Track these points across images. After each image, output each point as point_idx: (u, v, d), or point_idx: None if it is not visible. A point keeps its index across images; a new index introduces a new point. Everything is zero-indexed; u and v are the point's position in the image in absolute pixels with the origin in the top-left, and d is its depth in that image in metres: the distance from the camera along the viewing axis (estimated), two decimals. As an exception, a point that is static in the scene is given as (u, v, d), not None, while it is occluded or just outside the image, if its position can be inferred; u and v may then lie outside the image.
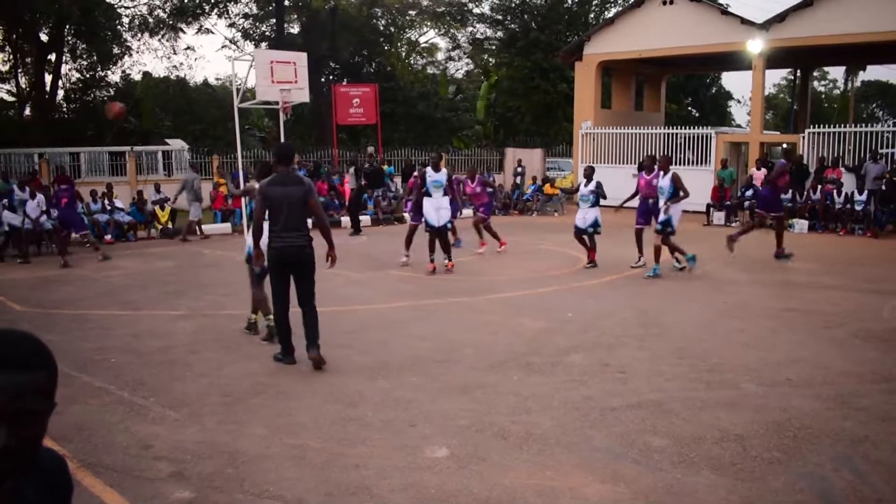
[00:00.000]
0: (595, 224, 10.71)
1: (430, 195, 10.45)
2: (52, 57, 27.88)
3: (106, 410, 5.01)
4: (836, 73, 51.35)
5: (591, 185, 10.69)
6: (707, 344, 6.59)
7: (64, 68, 29.13)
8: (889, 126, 19.84)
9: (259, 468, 4.06)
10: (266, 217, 6.02)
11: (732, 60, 21.97)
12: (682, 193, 9.96)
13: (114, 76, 31.18)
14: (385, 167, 20.17)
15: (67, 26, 26.92)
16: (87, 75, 30.02)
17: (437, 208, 10.33)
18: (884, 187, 15.60)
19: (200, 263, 11.89)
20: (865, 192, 15.62)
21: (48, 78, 28.08)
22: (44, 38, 27.74)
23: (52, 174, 18.19)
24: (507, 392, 5.29)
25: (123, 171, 21.07)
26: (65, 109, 30.68)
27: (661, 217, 9.96)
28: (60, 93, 29.78)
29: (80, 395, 5.32)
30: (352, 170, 18.84)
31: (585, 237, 10.86)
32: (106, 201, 15.50)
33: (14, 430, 1.15)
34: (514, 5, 34.52)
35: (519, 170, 22.79)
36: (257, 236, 6.01)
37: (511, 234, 13.47)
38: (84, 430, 4.63)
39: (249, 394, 5.32)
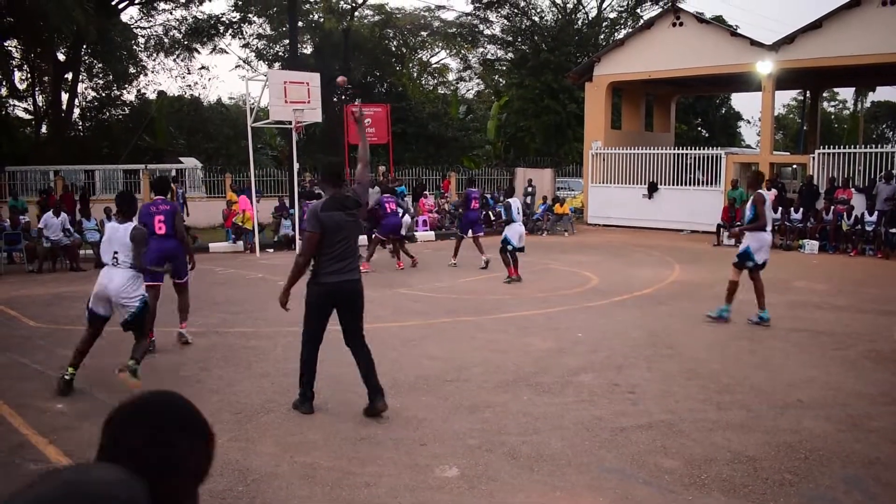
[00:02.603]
0: (503, 240, 11.48)
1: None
2: (69, 76, 28.29)
3: (119, 427, 5.04)
4: (846, 93, 51.45)
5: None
6: (717, 365, 6.58)
7: (80, 87, 29.59)
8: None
9: (270, 486, 4.08)
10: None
11: (742, 81, 22.05)
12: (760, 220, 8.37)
13: (129, 95, 31.64)
14: (397, 187, 20.27)
15: (84, 46, 27.35)
16: (103, 94, 30.47)
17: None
18: (889, 207, 15.57)
19: (212, 281, 11.97)
20: (876, 212, 15.58)
21: (64, 96, 28.51)
22: (61, 57, 28.18)
23: (69, 192, 18.44)
24: (516, 412, 5.30)
25: (137, 188, 21.28)
26: (80, 127, 31.09)
27: (741, 248, 8.59)
28: (76, 111, 30.22)
29: (93, 411, 5.36)
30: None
31: (506, 254, 11.56)
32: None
33: None
34: (524, 27, 34.84)
35: (529, 189, 22.86)
36: (300, 274, 5.16)
37: (521, 253, 13.46)
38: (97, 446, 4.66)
39: (260, 411, 5.35)
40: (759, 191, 8.41)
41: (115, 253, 5.87)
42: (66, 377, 5.80)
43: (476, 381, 6.11)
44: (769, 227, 8.49)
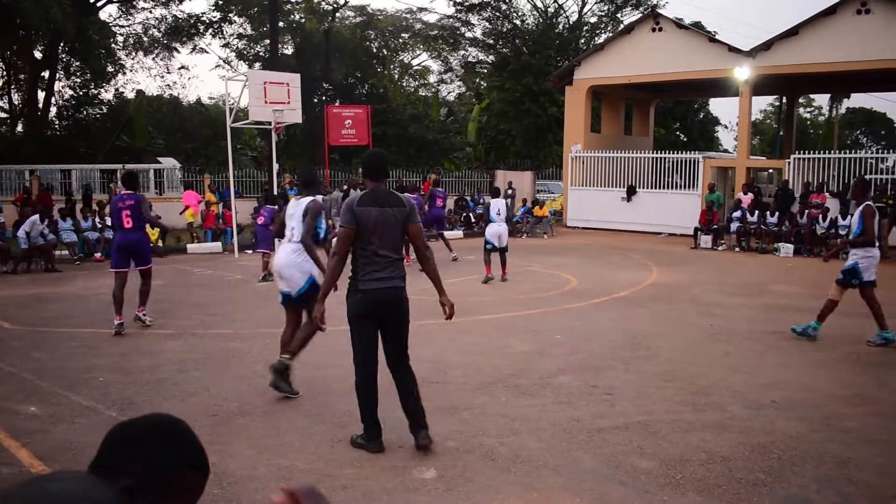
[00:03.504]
0: (485, 240, 11.87)
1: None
2: (46, 74, 27.94)
3: (93, 430, 4.98)
4: (822, 100, 52.28)
5: None
6: (694, 367, 6.64)
7: (57, 85, 29.22)
8: (873, 153, 20.13)
9: (246, 489, 4.05)
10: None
11: (720, 86, 22.29)
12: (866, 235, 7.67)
13: (107, 94, 31.30)
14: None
15: (62, 44, 27.01)
16: (81, 93, 30.10)
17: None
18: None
19: (189, 283, 11.89)
20: (849, 217, 15.79)
21: (41, 95, 28.15)
22: (38, 55, 27.82)
23: (46, 191, 18.22)
24: (494, 413, 5.31)
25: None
26: (57, 126, 30.69)
27: (848, 263, 7.87)
28: (53, 109, 29.85)
29: (67, 414, 5.31)
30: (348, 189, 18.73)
31: (487, 253, 11.80)
32: (97, 219, 15.49)
33: None
34: (505, 30, 34.94)
35: (509, 192, 22.92)
36: (335, 276, 4.62)
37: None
38: (71, 450, 4.62)
39: (237, 414, 5.31)
40: (868, 202, 7.70)
41: (292, 228, 5.81)
42: (279, 366, 5.62)
43: (455, 382, 6.12)
44: (877, 242, 7.78)
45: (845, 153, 19.03)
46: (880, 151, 26.89)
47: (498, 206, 11.85)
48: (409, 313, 4.69)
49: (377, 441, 4.58)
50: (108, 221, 15.61)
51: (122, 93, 32.02)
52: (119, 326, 7.81)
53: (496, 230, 11.65)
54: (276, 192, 16.35)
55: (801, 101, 38.44)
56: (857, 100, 48.32)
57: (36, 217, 13.37)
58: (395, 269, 4.52)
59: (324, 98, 33.74)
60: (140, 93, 31.66)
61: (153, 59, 31.99)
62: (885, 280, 11.70)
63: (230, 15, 32.56)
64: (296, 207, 5.85)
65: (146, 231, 8.27)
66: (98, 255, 14.76)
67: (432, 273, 4.64)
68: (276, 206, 13.30)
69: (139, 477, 1.21)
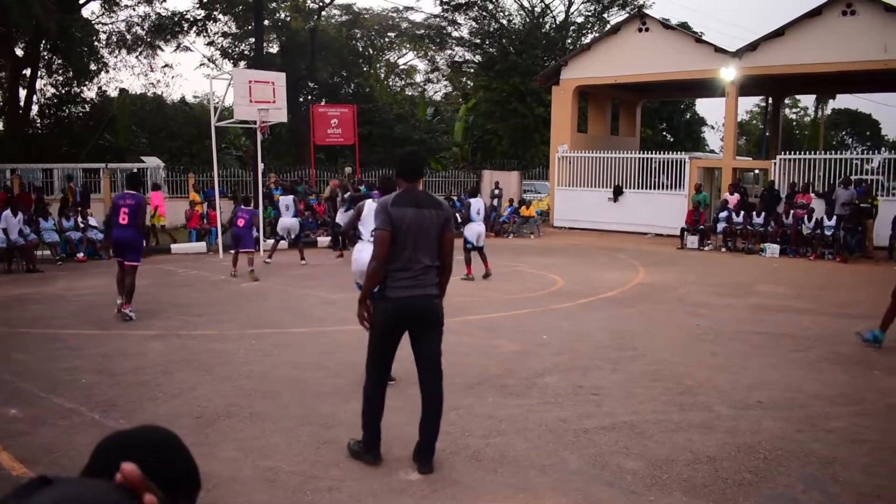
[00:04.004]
0: (464, 240, 11.78)
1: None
2: (28, 72, 27.62)
3: (76, 432, 4.92)
4: (807, 101, 52.67)
5: None
6: (680, 367, 6.65)
7: (39, 83, 28.85)
8: (858, 153, 20.33)
9: (230, 491, 4.01)
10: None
11: (706, 87, 22.38)
12: None
13: (90, 92, 30.96)
14: (362, 188, 20.15)
15: (44, 41, 26.72)
16: (63, 91, 29.75)
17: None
18: (847, 211, 15.92)
19: (173, 283, 11.78)
20: (835, 217, 15.92)
21: (22, 93, 27.81)
22: (19, 52, 27.50)
23: (26, 190, 18.01)
24: (481, 414, 5.29)
25: (98, 188, 20.85)
26: (38, 125, 30.34)
27: None
28: (35, 108, 29.49)
29: (49, 416, 5.23)
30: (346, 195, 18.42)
31: (467, 252, 11.86)
32: (79, 218, 15.32)
33: None
34: (492, 30, 34.94)
35: (496, 192, 22.91)
36: (374, 282, 4.26)
37: (488, 256, 13.49)
38: (53, 453, 4.55)
39: (222, 415, 5.26)
40: None
41: (372, 231, 5.74)
42: None
43: (441, 383, 6.08)
44: None
45: (831, 154, 19.21)
46: (865, 152, 27.08)
47: (477, 206, 11.93)
48: (443, 323, 4.44)
49: (375, 451, 4.38)
50: (91, 221, 15.52)
51: (105, 91, 31.66)
52: (120, 304, 8.51)
53: (476, 230, 11.73)
54: (261, 192, 16.26)
55: (786, 101, 38.72)
56: (843, 101, 48.81)
57: (8, 211, 13.10)
58: (428, 275, 4.23)
59: (309, 97, 33.61)
60: (123, 91, 31.34)
61: (136, 57, 31.63)
62: (879, 281, 11.81)
63: (215, 13, 32.30)
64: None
65: (140, 230, 8.75)
66: (80, 255, 14.60)
67: (442, 285, 4.45)
68: (252, 209, 13.14)
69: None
